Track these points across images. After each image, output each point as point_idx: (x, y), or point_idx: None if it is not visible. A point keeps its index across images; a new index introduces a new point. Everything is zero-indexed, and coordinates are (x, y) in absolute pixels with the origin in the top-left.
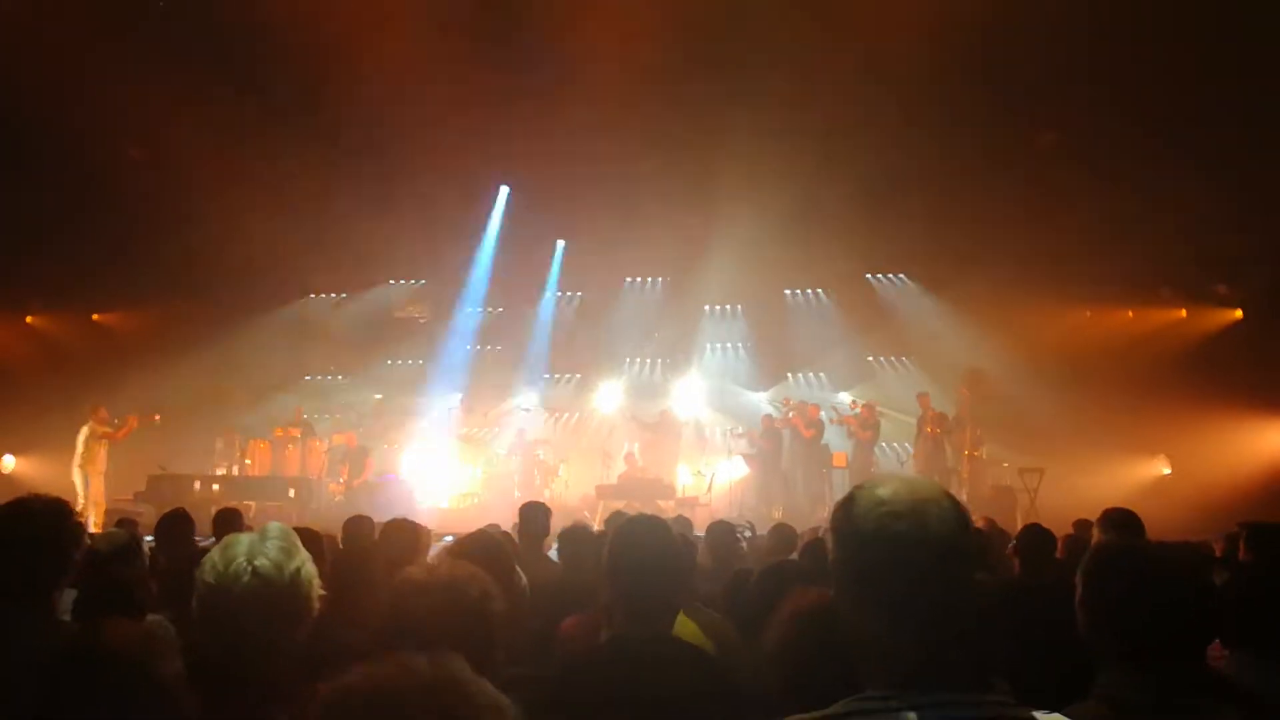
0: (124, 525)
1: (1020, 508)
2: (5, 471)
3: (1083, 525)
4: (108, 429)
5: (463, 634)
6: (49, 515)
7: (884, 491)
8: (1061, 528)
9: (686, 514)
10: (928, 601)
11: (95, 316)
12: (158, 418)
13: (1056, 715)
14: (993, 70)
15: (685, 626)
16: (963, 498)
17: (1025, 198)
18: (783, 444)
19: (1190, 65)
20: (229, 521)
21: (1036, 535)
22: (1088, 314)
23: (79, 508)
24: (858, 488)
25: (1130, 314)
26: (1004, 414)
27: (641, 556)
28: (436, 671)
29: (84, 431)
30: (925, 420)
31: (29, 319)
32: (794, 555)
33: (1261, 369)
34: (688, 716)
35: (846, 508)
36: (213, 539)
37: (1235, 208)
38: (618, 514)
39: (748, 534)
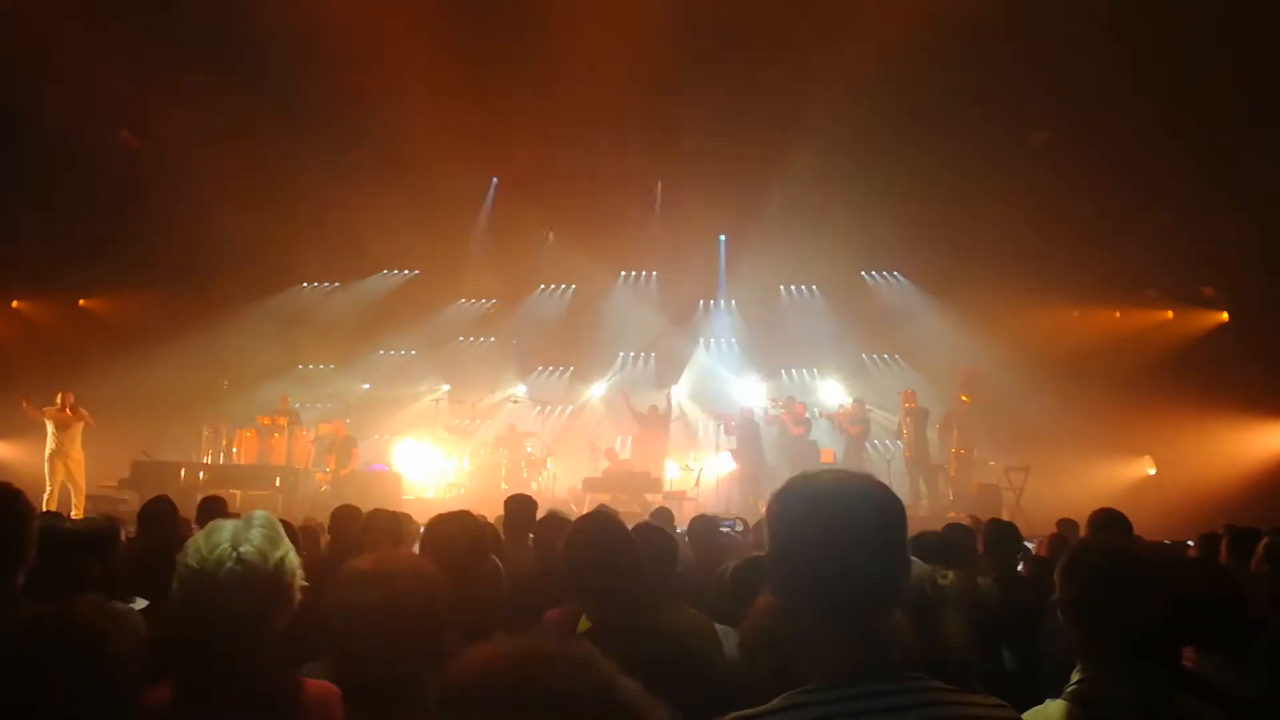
0: (103, 514)
1: (1005, 506)
2: None
3: (1067, 525)
4: (52, 414)
5: (406, 623)
6: None
7: (814, 482)
8: (1046, 527)
9: (674, 508)
10: (853, 590)
11: (81, 302)
12: (90, 422)
13: (995, 699)
14: (986, 72)
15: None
16: (949, 495)
17: (1017, 198)
18: (761, 436)
19: (1180, 70)
20: (213, 510)
21: (1001, 531)
22: (1075, 314)
23: (45, 495)
24: (791, 479)
25: (1118, 315)
26: (991, 412)
27: (591, 552)
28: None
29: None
30: (905, 416)
31: (14, 303)
32: None
33: (1247, 371)
34: (666, 703)
35: (779, 498)
36: (197, 527)
37: (1223, 211)
38: (601, 508)
39: (738, 529)
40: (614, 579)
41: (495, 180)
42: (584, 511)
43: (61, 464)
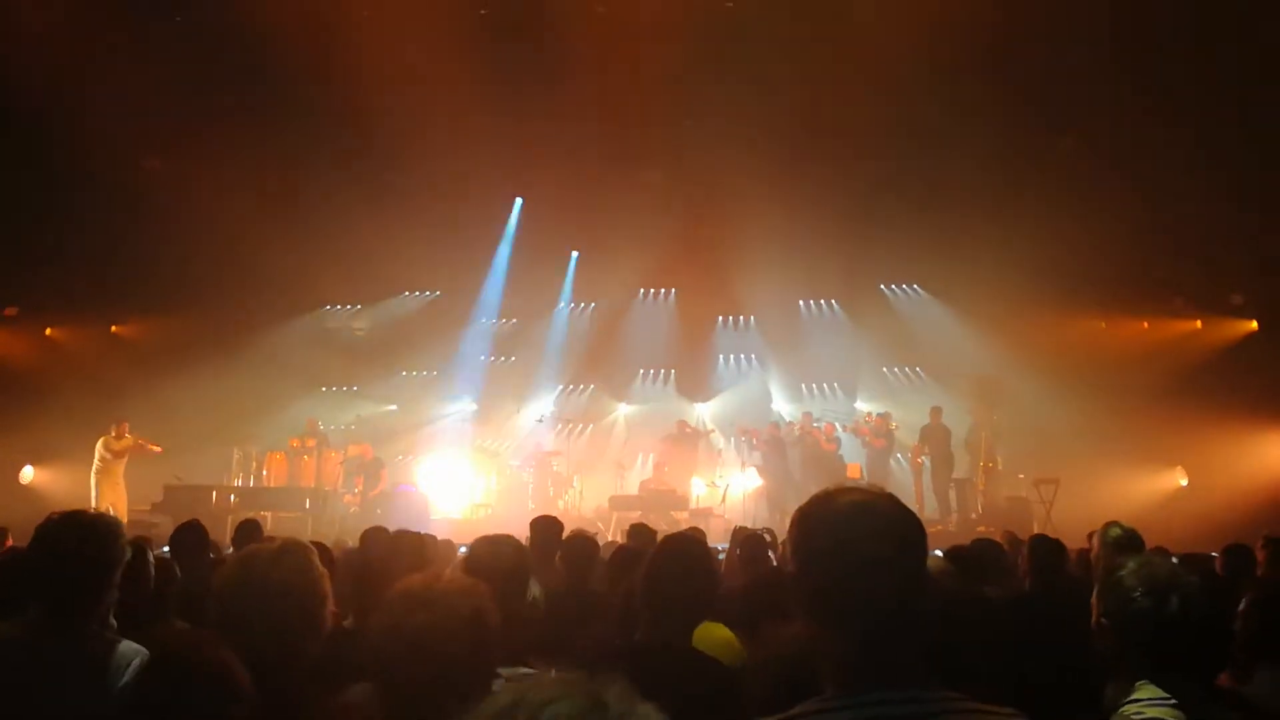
0: (135, 538)
1: (1036, 519)
2: (24, 482)
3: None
4: (113, 444)
5: (458, 646)
6: (101, 530)
7: (834, 501)
8: (1077, 540)
9: (700, 525)
10: (872, 603)
11: (114, 328)
12: (158, 449)
13: (1010, 710)
14: (1008, 78)
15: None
16: (978, 509)
17: (1040, 207)
18: (787, 452)
19: (1207, 74)
20: (249, 533)
21: (1046, 546)
22: (1102, 325)
23: None
24: (814, 496)
25: (1145, 325)
26: (1019, 425)
27: (679, 571)
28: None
29: (99, 443)
30: (929, 434)
31: (48, 330)
32: None
33: (1277, 380)
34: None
35: (801, 516)
36: (231, 550)
37: (1250, 217)
38: (639, 527)
39: (767, 539)
40: (691, 602)
41: (519, 201)
42: (611, 529)
43: (109, 487)
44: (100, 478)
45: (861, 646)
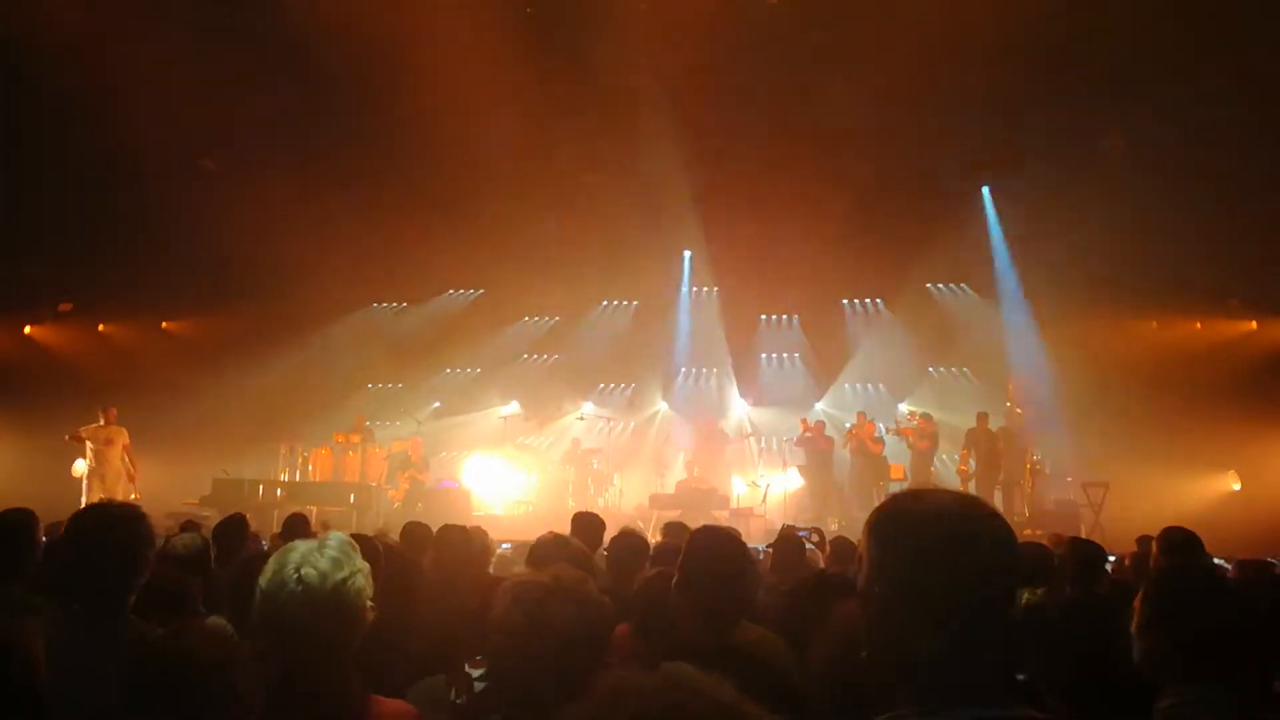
0: (189, 529)
1: (1084, 523)
2: (77, 475)
3: (1146, 542)
4: (99, 433)
5: (589, 635)
6: (125, 521)
7: (931, 503)
8: (1126, 545)
9: (741, 525)
10: (971, 614)
11: (164, 324)
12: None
13: None
14: (1058, 76)
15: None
16: (1025, 512)
17: (1089, 207)
18: (835, 452)
19: (1261, 72)
20: (296, 527)
21: (1084, 550)
22: (1154, 325)
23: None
24: (899, 498)
25: (1198, 326)
26: (1068, 427)
27: (716, 568)
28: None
29: (85, 432)
30: (974, 438)
31: (101, 327)
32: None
33: None
34: None
35: (892, 519)
36: (279, 542)
37: None
38: (675, 524)
39: (813, 539)
40: (725, 601)
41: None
42: (651, 527)
43: (99, 483)
44: (91, 476)
45: (951, 651)
